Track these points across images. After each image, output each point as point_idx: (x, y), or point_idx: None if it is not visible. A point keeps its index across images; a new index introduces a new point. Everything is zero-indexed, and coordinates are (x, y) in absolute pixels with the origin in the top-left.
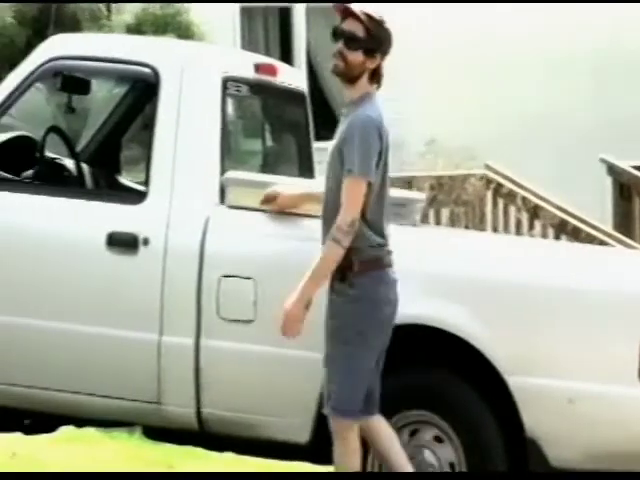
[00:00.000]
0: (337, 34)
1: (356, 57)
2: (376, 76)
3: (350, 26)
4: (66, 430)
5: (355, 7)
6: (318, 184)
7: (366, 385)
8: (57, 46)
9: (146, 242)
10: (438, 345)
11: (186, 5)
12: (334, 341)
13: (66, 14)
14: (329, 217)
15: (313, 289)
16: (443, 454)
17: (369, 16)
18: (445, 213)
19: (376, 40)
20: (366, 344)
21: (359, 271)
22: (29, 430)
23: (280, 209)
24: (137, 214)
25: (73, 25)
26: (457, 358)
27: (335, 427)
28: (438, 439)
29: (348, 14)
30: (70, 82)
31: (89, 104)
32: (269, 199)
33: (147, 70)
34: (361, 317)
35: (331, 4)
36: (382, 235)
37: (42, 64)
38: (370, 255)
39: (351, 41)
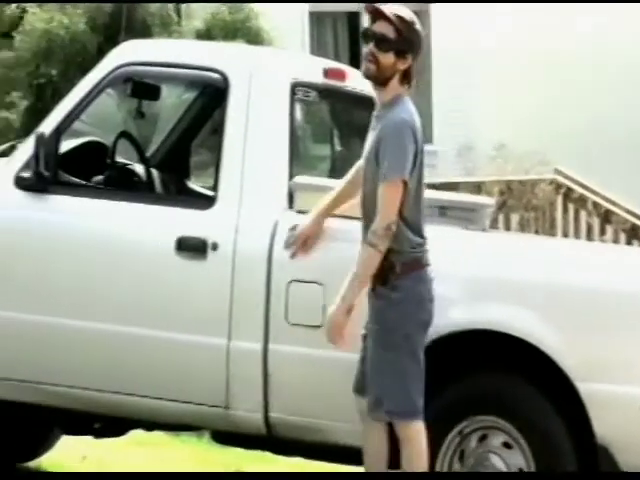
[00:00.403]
0: (367, 36)
1: (387, 59)
2: (407, 77)
3: (381, 28)
4: (135, 434)
5: (386, 8)
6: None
7: (422, 384)
8: (128, 52)
9: (215, 247)
10: (508, 351)
11: (255, 10)
12: (381, 346)
13: (137, 20)
14: (367, 219)
15: (354, 295)
16: (512, 460)
17: (400, 17)
18: (515, 218)
19: (407, 41)
20: (414, 345)
21: (401, 273)
22: (99, 434)
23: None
24: (206, 219)
25: (144, 31)
26: (527, 364)
27: (399, 432)
28: (507, 445)
29: (379, 15)
30: (140, 88)
31: (159, 109)
32: (296, 242)
33: (216, 75)
34: (406, 320)
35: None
36: (421, 235)
37: (113, 70)
38: (411, 256)
39: (382, 42)
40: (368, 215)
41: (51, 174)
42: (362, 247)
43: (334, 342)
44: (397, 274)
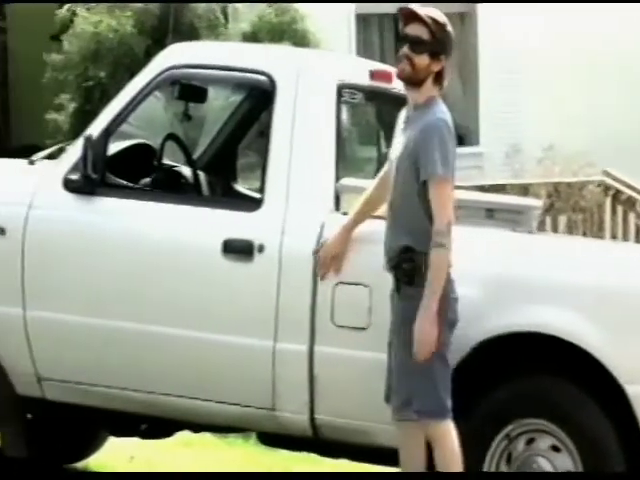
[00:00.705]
0: (402, 38)
1: (422, 60)
2: (440, 79)
3: (415, 30)
4: (182, 435)
5: (420, 11)
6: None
7: (449, 384)
8: (175, 55)
9: (261, 249)
10: (555, 353)
11: (302, 13)
12: (409, 347)
13: (184, 23)
14: (399, 220)
15: (436, 302)
16: (560, 463)
17: (433, 19)
18: (562, 220)
19: (440, 43)
20: (441, 344)
21: (426, 273)
22: (146, 435)
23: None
24: (252, 221)
25: (191, 34)
26: (574, 366)
27: (429, 432)
28: (555, 448)
29: (413, 18)
30: (187, 90)
31: (206, 112)
32: (324, 264)
33: (263, 78)
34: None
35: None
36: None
37: (160, 73)
38: None
39: (417, 44)
40: (396, 217)
41: (99, 176)
42: (431, 251)
43: (426, 356)
44: (424, 274)
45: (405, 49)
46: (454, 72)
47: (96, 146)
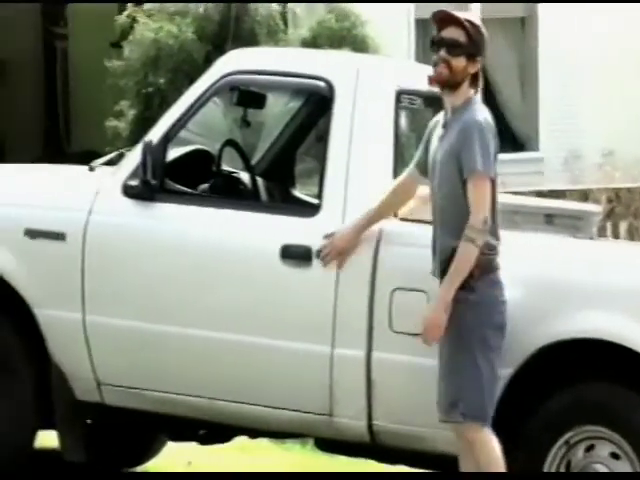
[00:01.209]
0: (437, 43)
1: (459, 63)
2: (475, 81)
3: (451, 33)
4: (240, 440)
5: (456, 14)
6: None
7: (496, 389)
8: (234, 61)
9: (319, 255)
10: (614, 360)
11: (362, 18)
12: (458, 349)
13: (244, 29)
14: (448, 223)
15: (452, 292)
16: (620, 470)
17: (469, 21)
18: (623, 226)
19: (476, 45)
20: (489, 348)
21: (477, 275)
22: (204, 440)
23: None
24: (311, 227)
25: (251, 40)
26: (634, 372)
27: (472, 435)
28: (615, 455)
29: (450, 21)
30: (246, 96)
31: (264, 117)
32: (331, 253)
33: (321, 83)
34: (483, 322)
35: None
36: (497, 237)
37: (219, 79)
38: (487, 259)
39: (454, 47)
40: (444, 220)
41: (158, 182)
42: (461, 244)
43: (435, 340)
44: (474, 276)
45: (442, 53)
46: (514, 76)
47: (155, 152)
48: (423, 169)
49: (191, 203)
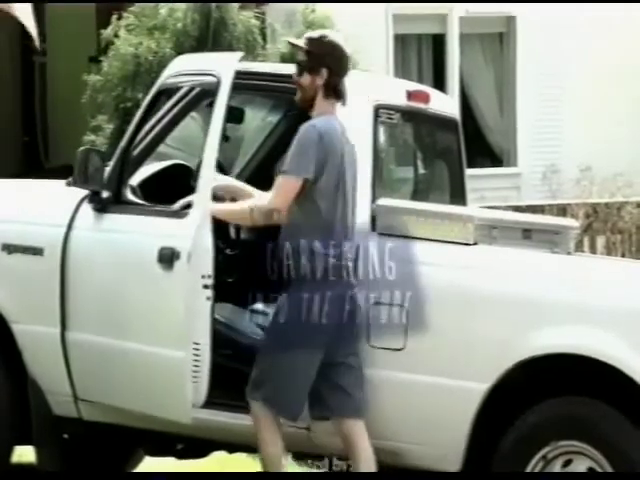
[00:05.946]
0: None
1: (305, 80)
2: (330, 91)
3: (298, 57)
4: (217, 455)
5: (295, 40)
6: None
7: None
8: (174, 65)
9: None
10: (591, 375)
11: (340, 33)
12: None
13: (223, 44)
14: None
15: (222, 214)
16: None
17: (307, 38)
18: (601, 241)
19: (316, 56)
20: (304, 340)
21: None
22: (182, 455)
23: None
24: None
25: None
26: (611, 388)
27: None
28: (592, 470)
29: (294, 47)
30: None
31: (242, 132)
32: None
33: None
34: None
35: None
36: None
37: (159, 85)
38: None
39: (297, 67)
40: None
41: (112, 194)
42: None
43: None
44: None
45: (294, 77)
46: (493, 92)
47: (95, 162)
48: None
49: (135, 213)
